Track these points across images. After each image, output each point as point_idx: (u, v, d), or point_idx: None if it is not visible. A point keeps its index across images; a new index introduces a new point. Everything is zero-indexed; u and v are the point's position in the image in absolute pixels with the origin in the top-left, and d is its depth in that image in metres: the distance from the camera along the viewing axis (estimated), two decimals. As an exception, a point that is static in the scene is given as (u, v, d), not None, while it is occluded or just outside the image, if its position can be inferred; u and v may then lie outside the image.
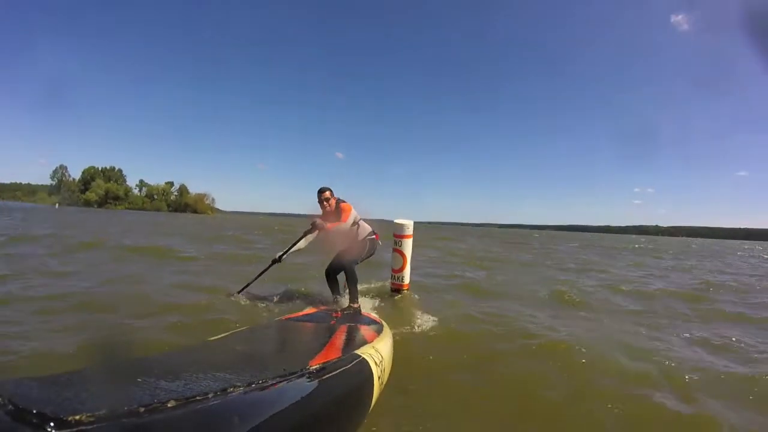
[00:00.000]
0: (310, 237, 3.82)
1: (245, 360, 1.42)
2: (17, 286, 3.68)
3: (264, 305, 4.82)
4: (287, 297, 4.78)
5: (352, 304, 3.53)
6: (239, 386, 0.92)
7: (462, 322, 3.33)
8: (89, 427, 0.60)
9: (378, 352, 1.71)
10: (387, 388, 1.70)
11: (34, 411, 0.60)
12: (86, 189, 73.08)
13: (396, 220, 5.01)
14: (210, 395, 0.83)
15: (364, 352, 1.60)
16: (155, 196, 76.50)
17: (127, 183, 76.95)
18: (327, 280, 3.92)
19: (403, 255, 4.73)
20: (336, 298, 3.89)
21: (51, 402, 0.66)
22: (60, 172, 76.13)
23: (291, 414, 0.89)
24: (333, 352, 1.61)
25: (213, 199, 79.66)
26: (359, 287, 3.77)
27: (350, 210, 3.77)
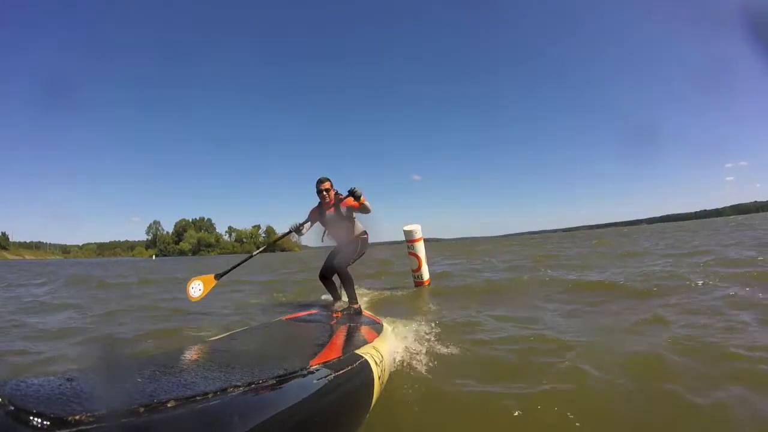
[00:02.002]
0: (298, 231, 3.67)
1: (245, 360, 1.42)
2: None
3: (265, 306, 4.86)
4: (288, 298, 4.82)
5: (351, 305, 3.52)
6: (239, 386, 0.92)
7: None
8: (89, 427, 0.60)
9: (378, 352, 1.71)
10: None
11: (34, 411, 0.60)
12: (179, 240, 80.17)
13: (405, 227, 5.54)
14: (210, 395, 0.83)
15: (365, 352, 1.60)
16: (244, 240, 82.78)
17: (217, 230, 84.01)
18: (323, 283, 3.85)
19: (417, 256, 5.45)
20: (335, 299, 3.87)
21: (51, 402, 0.66)
22: (154, 227, 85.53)
23: (291, 414, 0.89)
24: (333, 352, 1.61)
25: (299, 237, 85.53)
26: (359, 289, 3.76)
27: (351, 202, 3.63)
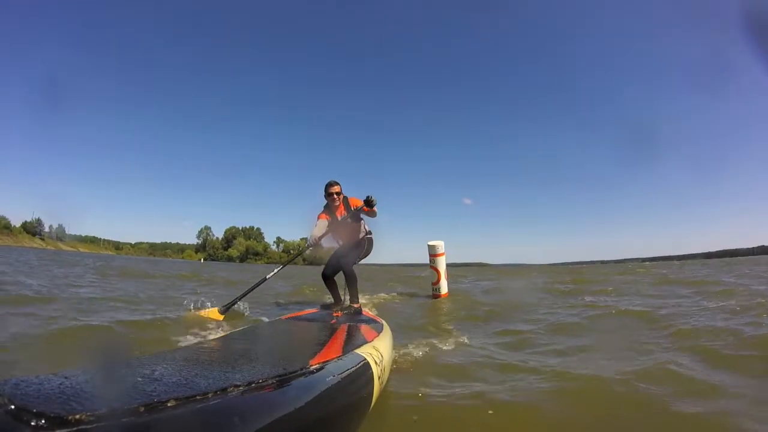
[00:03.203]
0: (322, 229, 3.61)
1: (245, 360, 1.42)
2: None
3: (265, 306, 4.88)
4: (288, 298, 4.84)
5: (352, 304, 3.53)
6: (239, 386, 0.92)
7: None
8: (89, 426, 0.60)
9: (378, 352, 1.71)
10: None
11: (34, 411, 0.60)
12: (228, 246, 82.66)
13: (429, 242, 5.94)
14: (210, 395, 0.83)
15: (365, 351, 1.60)
16: (291, 251, 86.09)
17: (266, 240, 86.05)
18: (325, 283, 3.86)
19: (437, 270, 5.76)
20: (336, 298, 3.87)
21: (51, 402, 0.66)
22: (204, 232, 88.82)
23: (291, 414, 0.89)
24: (333, 351, 1.61)
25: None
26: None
27: (359, 203, 3.64)
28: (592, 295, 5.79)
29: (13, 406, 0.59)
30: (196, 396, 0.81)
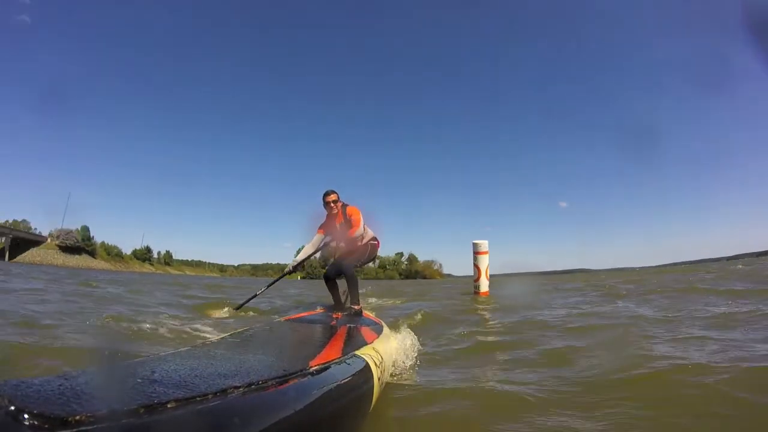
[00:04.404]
0: (309, 250, 3.87)
1: (245, 361, 1.42)
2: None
3: (265, 307, 4.91)
4: (288, 299, 4.87)
5: (352, 306, 3.53)
6: (239, 387, 0.92)
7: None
8: (89, 427, 0.60)
9: (378, 353, 1.71)
10: None
11: (34, 411, 0.60)
12: (326, 264, 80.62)
13: (474, 241, 6.13)
14: (210, 396, 0.83)
15: (364, 353, 1.60)
16: (387, 266, 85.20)
17: None
18: (326, 284, 3.90)
19: (478, 268, 5.92)
20: (336, 301, 3.89)
21: (51, 403, 0.66)
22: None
23: (291, 415, 0.89)
24: (333, 353, 1.61)
25: (440, 265, 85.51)
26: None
27: (359, 214, 3.74)
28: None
29: (13, 408, 0.59)
30: (195, 397, 0.81)
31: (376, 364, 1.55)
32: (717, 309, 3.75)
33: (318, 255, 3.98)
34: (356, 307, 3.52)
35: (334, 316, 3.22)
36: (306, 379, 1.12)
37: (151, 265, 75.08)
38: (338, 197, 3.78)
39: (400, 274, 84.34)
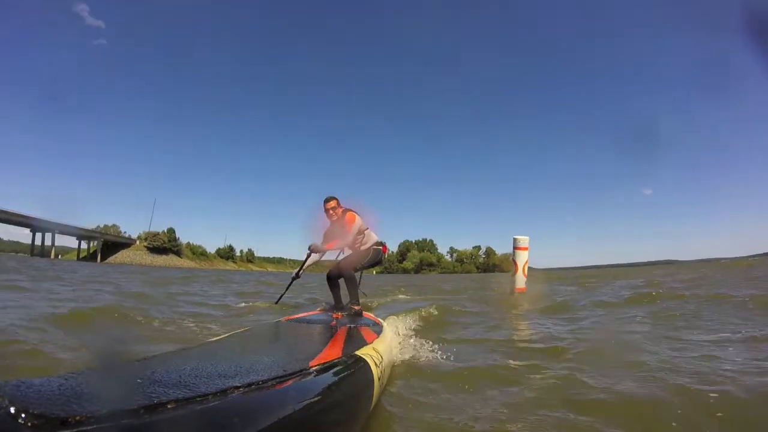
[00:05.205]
0: (315, 257, 3.93)
1: (245, 360, 1.42)
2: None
3: (265, 307, 4.94)
4: (289, 299, 4.90)
5: (352, 306, 3.54)
6: (239, 387, 0.92)
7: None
8: (89, 427, 0.61)
9: (378, 353, 1.71)
10: None
11: (34, 412, 0.60)
12: (403, 259, 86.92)
13: (515, 236, 6.27)
14: (210, 396, 0.83)
15: (364, 353, 1.60)
16: (465, 260, 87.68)
17: (439, 251, 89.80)
18: (328, 284, 3.93)
19: (515, 263, 6.00)
20: (337, 301, 3.89)
21: (51, 403, 0.66)
22: None
23: (291, 415, 0.89)
24: (333, 353, 1.61)
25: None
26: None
27: (353, 221, 3.77)
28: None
29: (13, 408, 0.59)
30: (196, 397, 0.81)
31: (376, 364, 1.55)
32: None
33: (320, 258, 4.04)
34: (356, 307, 3.52)
35: (334, 316, 3.22)
36: (306, 379, 1.12)
37: (234, 262, 78.44)
38: (338, 203, 3.83)
39: (478, 268, 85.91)
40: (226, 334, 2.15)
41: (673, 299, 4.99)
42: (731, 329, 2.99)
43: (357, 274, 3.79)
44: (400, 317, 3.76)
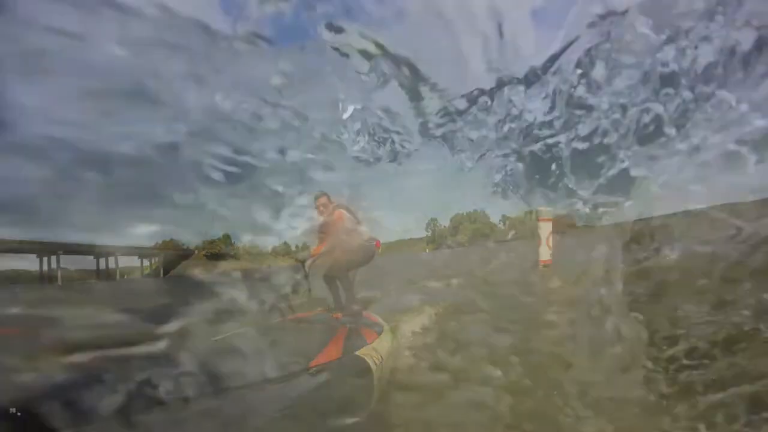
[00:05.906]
0: (309, 262, 3.89)
1: (245, 361, 1.42)
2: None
3: (266, 307, 4.91)
4: (288, 299, 4.87)
5: (351, 306, 3.52)
6: (240, 387, 0.92)
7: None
8: (89, 427, 0.61)
9: (378, 353, 1.71)
10: None
11: (33, 411, 0.60)
12: (456, 233, 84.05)
13: (539, 207, 6.38)
14: (210, 396, 0.83)
15: (364, 353, 1.60)
16: (516, 228, 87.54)
17: (491, 220, 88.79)
18: (326, 284, 3.90)
19: (539, 235, 5.99)
20: (337, 300, 3.88)
21: (52, 402, 0.67)
22: (432, 224, 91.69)
23: (291, 415, 0.89)
24: (333, 353, 1.61)
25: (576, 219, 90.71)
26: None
27: (340, 220, 3.74)
28: None
29: (13, 408, 0.59)
30: (195, 397, 0.81)
31: (376, 364, 1.55)
32: None
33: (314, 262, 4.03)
34: (356, 307, 3.51)
35: (334, 316, 3.21)
36: (306, 379, 1.12)
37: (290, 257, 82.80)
38: (328, 200, 3.81)
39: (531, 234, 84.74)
40: (226, 334, 2.15)
41: None
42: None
43: (350, 273, 3.76)
44: (407, 316, 3.70)
